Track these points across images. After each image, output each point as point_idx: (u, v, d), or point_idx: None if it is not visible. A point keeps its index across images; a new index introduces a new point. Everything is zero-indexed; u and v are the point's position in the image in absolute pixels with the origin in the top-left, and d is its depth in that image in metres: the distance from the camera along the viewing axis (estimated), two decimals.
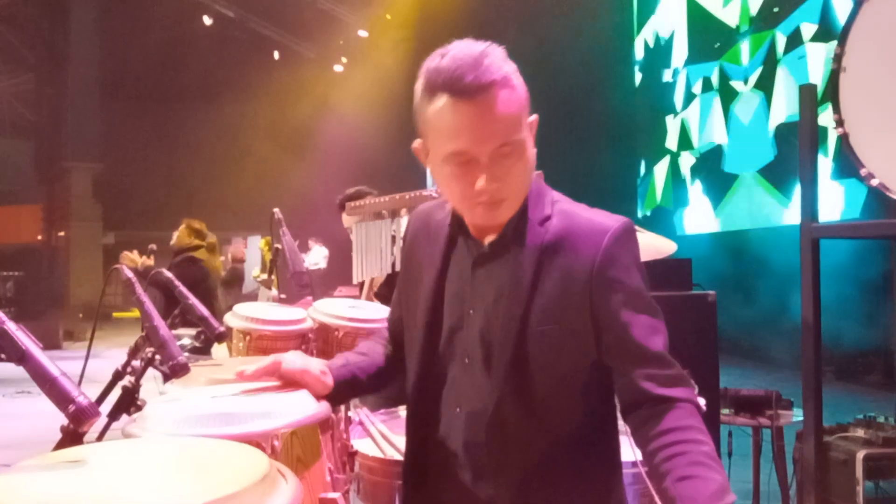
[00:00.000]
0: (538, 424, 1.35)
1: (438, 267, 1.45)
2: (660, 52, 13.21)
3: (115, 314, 15.41)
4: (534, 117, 1.37)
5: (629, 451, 1.81)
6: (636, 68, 14.14)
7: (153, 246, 5.69)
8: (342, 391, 1.51)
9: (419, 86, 1.33)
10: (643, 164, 13.84)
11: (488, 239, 1.40)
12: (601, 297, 1.31)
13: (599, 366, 1.35)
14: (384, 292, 3.26)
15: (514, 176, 1.32)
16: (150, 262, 5.55)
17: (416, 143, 1.40)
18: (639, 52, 14.10)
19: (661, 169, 13.10)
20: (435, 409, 1.44)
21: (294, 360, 1.47)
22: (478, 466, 1.38)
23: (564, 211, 1.39)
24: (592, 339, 1.33)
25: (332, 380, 1.47)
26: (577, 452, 1.37)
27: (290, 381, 1.45)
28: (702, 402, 2.39)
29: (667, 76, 12.92)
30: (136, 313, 1.76)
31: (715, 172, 11.33)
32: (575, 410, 1.37)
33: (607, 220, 1.36)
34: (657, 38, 13.32)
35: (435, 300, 1.44)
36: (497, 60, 1.29)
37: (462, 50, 1.29)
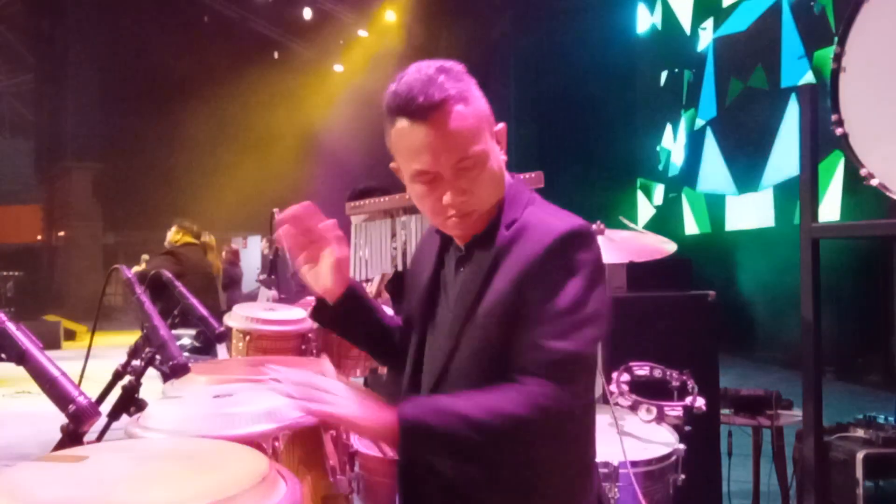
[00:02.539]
0: None
1: (432, 269, 1.51)
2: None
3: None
4: (500, 126, 1.41)
5: (628, 452, 1.81)
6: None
7: (146, 256, 5.72)
8: (350, 304, 1.50)
9: (383, 111, 1.38)
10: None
11: (465, 243, 1.46)
12: (525, 288, 1.31)
13: None
14: (391, 288, 3.27)
15: (480, 187, 1.35)
16: (141, 268, 5.56)
17: (393, 164, 1.44)
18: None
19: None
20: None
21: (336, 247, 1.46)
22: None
23: (531, 213, 1.40)
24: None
25: (346, 283, 1.48)
26: (541, 452, 1.35)
27: (317, 247, 1.45)
28: (701, 402, 2.40)
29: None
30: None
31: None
32: None
33: (559, 222, 1.35)
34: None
35: (427, 300, 1.50)
36: (450, 77, 1.32)
37: (415, 72, 1.34)
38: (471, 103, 1.33)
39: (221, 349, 3.53)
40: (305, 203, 1.47)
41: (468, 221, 1.38)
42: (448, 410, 1.24)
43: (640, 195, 13.72)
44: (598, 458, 1.51)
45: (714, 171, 11.35)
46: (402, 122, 1.33)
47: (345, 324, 1.57)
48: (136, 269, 5.49)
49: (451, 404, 1.25)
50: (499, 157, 1.39)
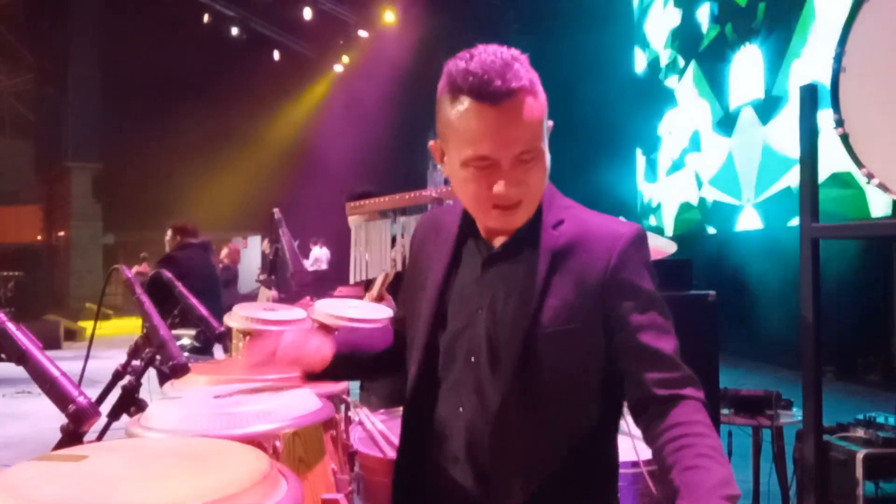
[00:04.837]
0: (542, 425, 1.35)
1: (445, 267, 1.46)
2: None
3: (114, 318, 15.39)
4: (549, 123, 1.37)
5: (629, 452, 1.81)
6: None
7: (144, 254, 5.69)
8: (342, 365, 1.54)
9: (442, 86, 1.33)
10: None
11: (499, 240, 1.41)
12: (613, 301, 1.32)
13: (606, 369, 1.36)
14: (393, 290, 3.27)
15: (532, 181, 1.32)
16: (143, 268, 5.53)
17: (433, 142, 1.40)
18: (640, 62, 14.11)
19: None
20: (434, 408, 1.44)
21: (287, 341, 1.51)
22: (478, 466, 1.37)
23: (577, 216, 1.40)
24: (603, 341, 1.34)
25: (331, 349, 1.52)
26: (578, 454, 1.37)
27: (288, 360, 1.50)
28: None
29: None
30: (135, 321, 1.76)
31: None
32: (579, 413, 1.37)
33: (621, 227, 1.37)
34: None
35: (440, 299, 1.45)
36: (523, 66, 1.29)
37: (489, 54, 1.29)
38: (538, 97, 1.31)
39: (217, 349, 3.52)
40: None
41: (514, 215, 1.34)
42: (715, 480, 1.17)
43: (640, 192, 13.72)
44: None
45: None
46: (469, 103, 1.27)
47: (339, 377, 1.66)
48: (135, 269, 5.46)
49: (706, 478, 1.17)
50: (548, 154, 1.36)
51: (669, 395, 1.27)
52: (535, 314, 1.33)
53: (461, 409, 1.40)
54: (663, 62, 13.06)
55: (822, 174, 2.62)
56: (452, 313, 1.43)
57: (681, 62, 12.42)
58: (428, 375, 1.44)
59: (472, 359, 1.39)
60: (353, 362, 1.60)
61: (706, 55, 11.62)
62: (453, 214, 1.49)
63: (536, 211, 1.38)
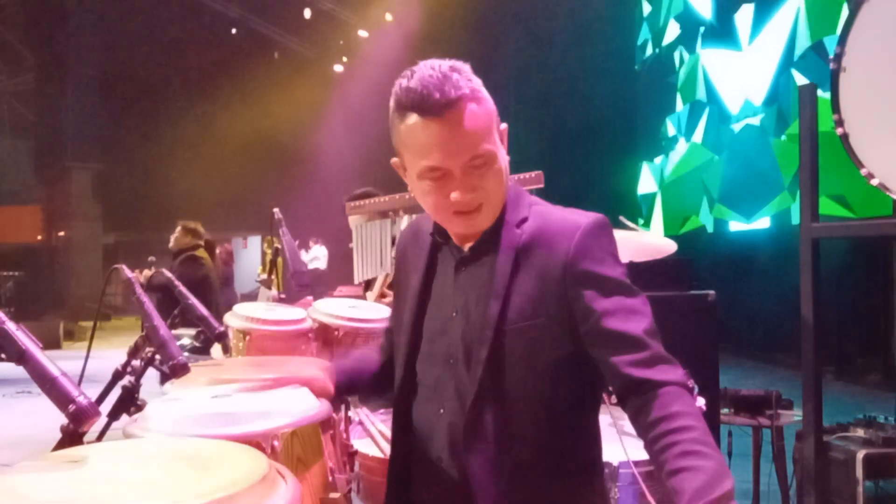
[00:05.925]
0: (516, 422, 1.37)
1: (423, 273, 1.51)
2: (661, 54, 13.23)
3: (114, 319, 15.38)
4: (503, 126, 1.41)
5: (626, 452, 1.81)
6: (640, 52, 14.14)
7: (152, 258, 5.70)
8: (345, 394, 1.64)
9: (391, 106, 1.38)
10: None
11: (468, 244, 1.45)
12: (575, 291, 1.34)
13: (577, 362, 1.36)
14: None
15: (489, 185, 1.36)
16: (151, 273, 5.56)
17: (395, 160, 1.45)
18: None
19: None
20: (419, 411, 1.48)
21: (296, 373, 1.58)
22: (460, 463, 1.39)
23: (540, 212, 1.43)
24: (570, 333, 1.35)
25: (332, 387, 1.58)
26: (555, 449, 1.38)
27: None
28: (701, 402, 2.40)
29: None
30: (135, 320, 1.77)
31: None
32: (553, 408, 1.38)
33: (579, 217, 1.39)
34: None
35: (420, 305, 1.49)
36: (463, 76, 1.33)
37: (428, 69, 1.34)
38: (482, 103, 1.35)
39: (216, 349, 3.52)
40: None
41: (475, 219, 1.38)
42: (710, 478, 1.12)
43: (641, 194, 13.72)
44: None
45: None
46: (415, 119, 1.32)
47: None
48: (145, 272, 5.48)
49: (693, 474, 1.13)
50: (504, 156, 1.40)
51: (643, 378, 1.27)
52: (501, 312, 1.36)
53: (442, 410, 1.43)
54: (665, 59, 13.05)
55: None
56: (431, 319, 1.48)
57: (685, 57, 12.40)
58: (412, 380, 1.48)
59: (451, 361, 1.43)
60: (354, 390, 1.67)
61: (711, 49, 11.59)
62: (430, 221, 1.53)
63: (502, 212, 1.42)
